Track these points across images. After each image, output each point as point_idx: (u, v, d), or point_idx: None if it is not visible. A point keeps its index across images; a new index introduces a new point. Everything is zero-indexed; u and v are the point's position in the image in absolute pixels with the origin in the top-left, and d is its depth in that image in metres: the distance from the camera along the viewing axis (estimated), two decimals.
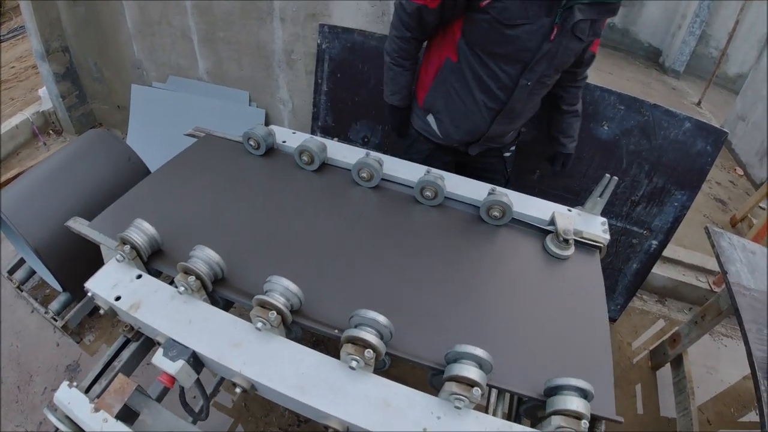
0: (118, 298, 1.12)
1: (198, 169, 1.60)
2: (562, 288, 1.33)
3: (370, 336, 0.99)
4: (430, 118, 1.74)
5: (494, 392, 1.34)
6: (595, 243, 1.43)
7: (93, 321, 2.24)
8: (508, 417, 1.28)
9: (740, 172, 4.83)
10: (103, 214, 1.35)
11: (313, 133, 2.25)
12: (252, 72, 2.79)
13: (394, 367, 1.13)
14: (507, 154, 1.93)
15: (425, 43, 1.67)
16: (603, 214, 1.53)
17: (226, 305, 1.31)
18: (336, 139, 1.94)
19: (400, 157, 1.72)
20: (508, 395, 1.31)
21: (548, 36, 1.40)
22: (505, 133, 1.77)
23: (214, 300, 1.19)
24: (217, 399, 1.96)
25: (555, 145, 1.91)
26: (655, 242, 2.15)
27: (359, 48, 2.13)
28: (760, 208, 3.95)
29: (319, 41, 2.23)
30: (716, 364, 2.49)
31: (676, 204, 2.06)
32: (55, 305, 2.12)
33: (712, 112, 6.47)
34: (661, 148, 2.01)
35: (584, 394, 0.97)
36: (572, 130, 1.85)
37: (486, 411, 1.21)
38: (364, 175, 1.56)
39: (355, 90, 2.16)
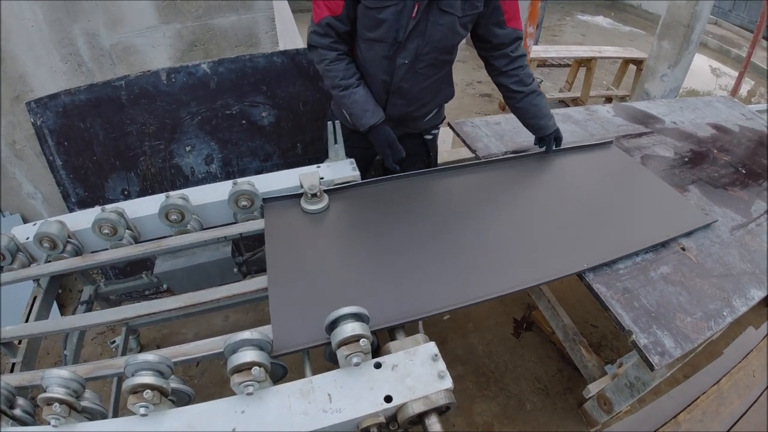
0: None
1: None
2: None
3: (144, 378, 0.96)
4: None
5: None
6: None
7: None
8: None
9: None
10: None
11: (71, 211, 2.06)
12: None
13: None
14: (428, 137, 1.93)
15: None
16: None
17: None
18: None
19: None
20: None
21: (411, 13, 1.44)
22: (409, 115, 1.73)
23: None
24: None
25: (538, 132, 1.84)
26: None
27: (72, 107, 1.98)
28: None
29: (32, 120, 2.03)
30: None
31: None
32: None
33: None
34: None
35: (358, 318, 1.05)
36: (542, 108, 1.77)
37: None
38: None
39: (88, 150, 2.01)
